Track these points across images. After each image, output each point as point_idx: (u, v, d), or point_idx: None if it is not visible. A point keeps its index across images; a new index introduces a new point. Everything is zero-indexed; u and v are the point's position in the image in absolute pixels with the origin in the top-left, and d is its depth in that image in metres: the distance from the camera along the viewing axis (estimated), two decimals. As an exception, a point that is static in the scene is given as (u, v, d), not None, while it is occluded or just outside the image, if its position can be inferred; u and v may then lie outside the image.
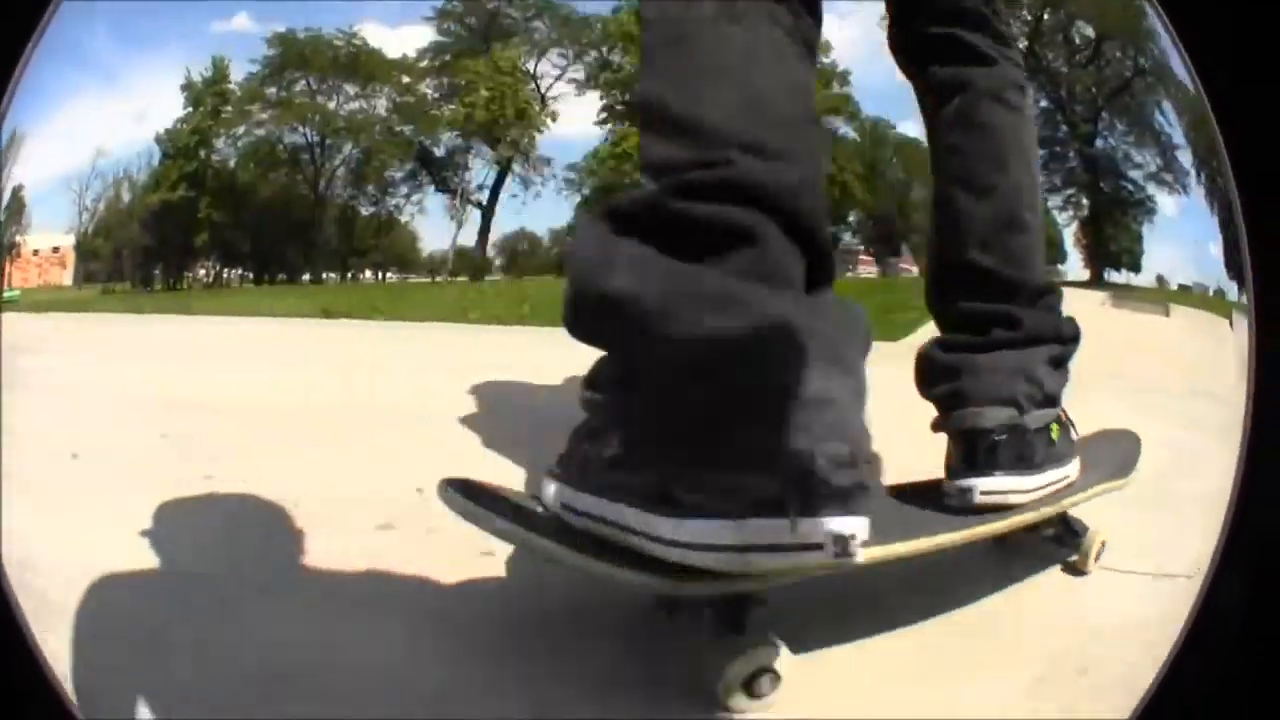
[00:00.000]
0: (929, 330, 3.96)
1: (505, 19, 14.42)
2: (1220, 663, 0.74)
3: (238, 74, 12.38)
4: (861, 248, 12.81)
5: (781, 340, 0.59)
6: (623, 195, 0.71)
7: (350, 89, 14.29)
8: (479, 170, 12.70)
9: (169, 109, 12.56)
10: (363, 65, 13.86)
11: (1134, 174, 15.96)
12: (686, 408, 0.59)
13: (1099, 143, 16.23)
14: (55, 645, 0.97)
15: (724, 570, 0.58)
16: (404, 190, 14.03)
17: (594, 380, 0.70)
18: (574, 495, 0.67)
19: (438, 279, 12.75)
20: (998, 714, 1.02)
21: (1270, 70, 0.77)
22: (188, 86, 13.76)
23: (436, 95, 14.21)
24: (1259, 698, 0.73)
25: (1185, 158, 16.12)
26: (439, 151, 13.74)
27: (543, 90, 14.22)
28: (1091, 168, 14.63)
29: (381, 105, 14.26)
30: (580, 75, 14.00)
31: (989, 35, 1.13)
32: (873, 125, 13.70)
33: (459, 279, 12.89)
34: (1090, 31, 18.16)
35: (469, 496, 0.74)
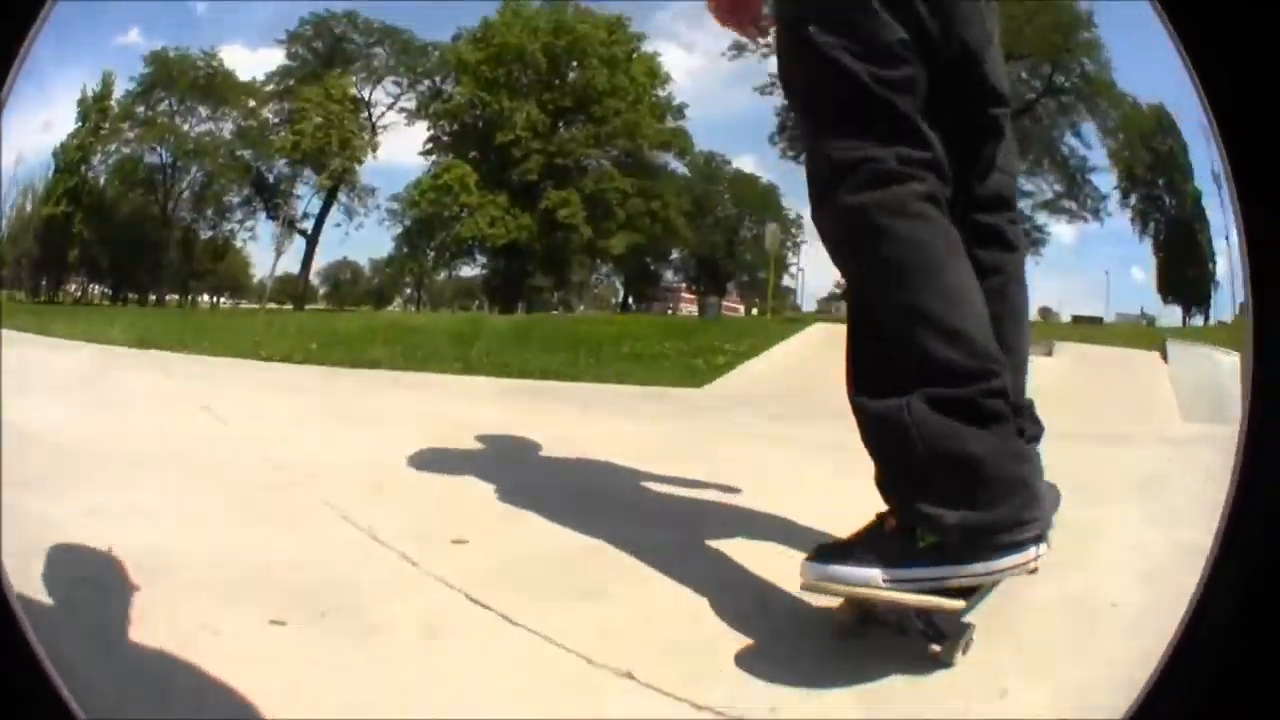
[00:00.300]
0: (736, 378, 4.38)
1: (349, 44, 14.37)
2: (1212, 670, 0.80)
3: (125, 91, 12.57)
4: (684, 285, 12.58)
5: (1041, 471, 1.12)
6: (944, 391, 0.98)
7: (203, 111, 14.34)
8: (308, 198, 12.75)
9: (68, 121, 12.85)
10: (217, 88, 13.97)
11: (1019, 203, 15.02)
12: (1004, 514, 0.99)
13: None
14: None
15: (1010, 577, 0.99)
16: (239, 215, 14.04)
17: (933, 499, 0.99)
18: (899, 570, 0.95)
19: (268, 306, 12.79)
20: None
21: (1270, 70, 0.81)
22: (82, 100, 14.00)
23: (277, 120, 14.19)
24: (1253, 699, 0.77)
25: (1103, 180, 15.29)
26: (273, 178, 13.70)
27: (374, 119, 14.14)
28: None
29: (228, 129, 14.27)
30: (412, 104, 13.88)
31: (1015, 219, 1.39)
32: (706, 160, 13.41)
33: (285, 307, 12.91)
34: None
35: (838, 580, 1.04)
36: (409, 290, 12.84)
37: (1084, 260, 17.31)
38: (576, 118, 13.10)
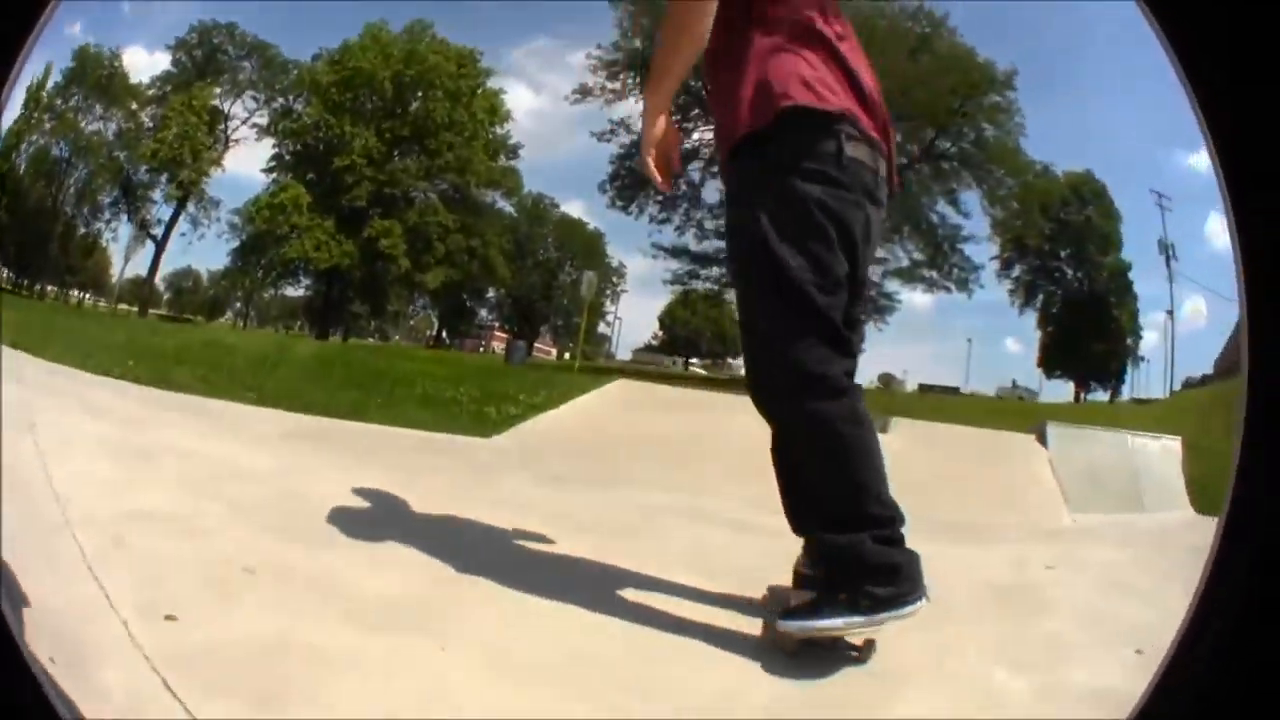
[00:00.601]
0: (525, 431, 4.40)
1: (223, 55, 14.98)
2: (1216, 664, 0.79)
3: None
4: (497, 324, 12.82)
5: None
6: (879, 532, 1.56)
7: (99, 109, 15.25)
8: (161, 204, 13.55)
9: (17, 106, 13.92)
10: (114, 88, 14.77)
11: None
12: (906, 589, 1.54)
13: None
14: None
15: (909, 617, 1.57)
16: (106, 215, 14.90)
17: (872, 584, 1.55)
18: (854, 618, 1.53)
19: (119, 307, 13.55)
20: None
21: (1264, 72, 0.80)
22: (29, 87, 15.10)
23: (150, 125, 14.95)
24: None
25: (976, 250, 14.89)
26: (136, 182, 14.51)
27: (229, 132, 14.71)
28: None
29: (112, 129, 15.14)
30: (265, 120, 14.41)
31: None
32: (534, 201, 13.62)
33: (133, 308, 13.64)
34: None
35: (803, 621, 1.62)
36: (239, 304, 13.27)
37: (939, 328, 16.68)
38: (412, 148, 13.30)
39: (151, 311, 14.39)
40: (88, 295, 15.16)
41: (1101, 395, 16.28)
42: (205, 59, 15.18)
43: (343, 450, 3.38)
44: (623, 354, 13.47)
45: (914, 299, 14.51)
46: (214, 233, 13.94)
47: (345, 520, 2.18)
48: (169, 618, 1.46)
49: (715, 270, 13.37)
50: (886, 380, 14.53)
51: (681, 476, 3.42)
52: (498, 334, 13.47)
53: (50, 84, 14.98)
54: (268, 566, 1.76)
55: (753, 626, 1.68)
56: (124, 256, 14.38)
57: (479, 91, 13.64)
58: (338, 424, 3.95)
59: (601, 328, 13.40)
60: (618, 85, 13.42)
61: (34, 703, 0.84)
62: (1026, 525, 3.40)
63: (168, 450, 2.79)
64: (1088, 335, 15.81)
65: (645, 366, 13.06)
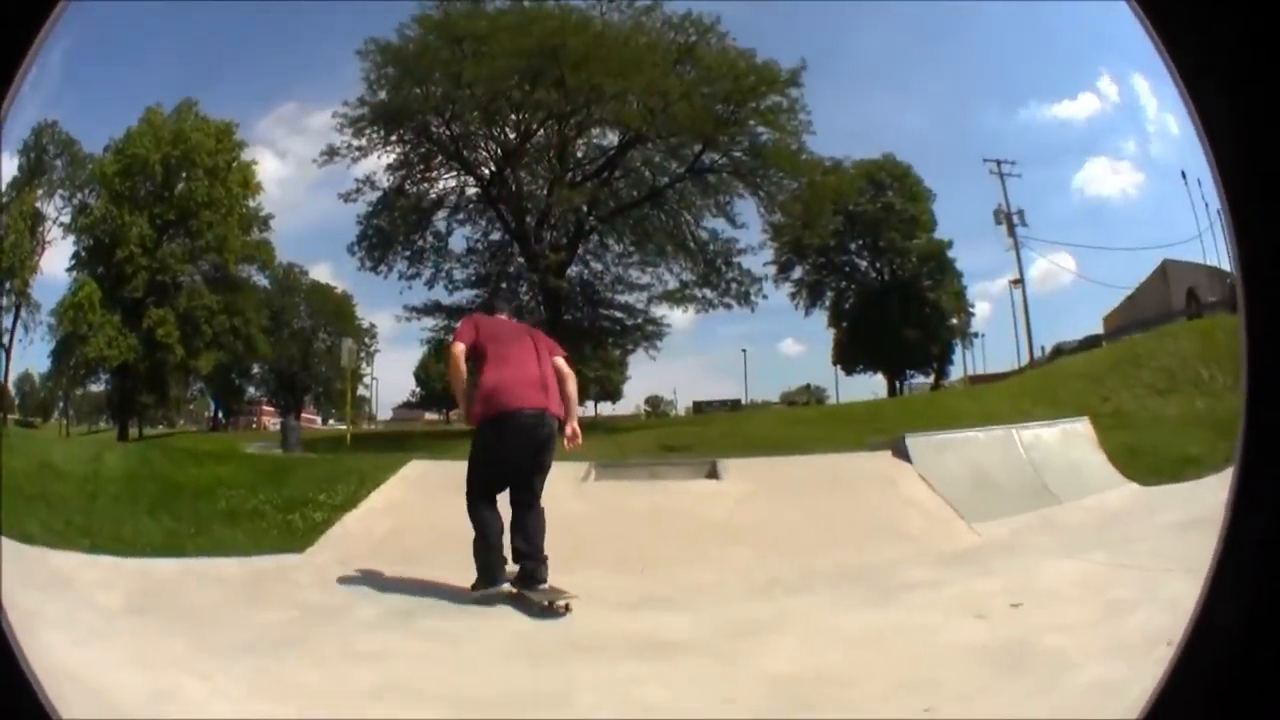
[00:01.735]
0: (336, 539, 4.89)
1: (45, 154, 16.77)
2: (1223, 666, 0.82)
3: None
4: (264, 399, 13.81)
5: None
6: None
7: None
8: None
9: None
10: None
11: (628, 299, 15.82)
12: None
13: (574, 271, 15.76)
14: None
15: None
16: None
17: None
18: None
19: None
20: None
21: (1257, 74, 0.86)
22: None
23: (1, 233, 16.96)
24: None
25: (759, 260, 14.74)
26: (-6, 290, 16.60)
27: (44, 234, 16.46)
28: (553, 303, 14.30)
29: None
30: (68, 218, 16.13)
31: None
32: (286, 271, 14.45)
33: None
34: (613, 138, 17.33)
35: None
36: (61, 405, 14.98)
37: (706, 340, 15.67)
38: (178, 231, 14.25)
39: (11, 416, 16.29)
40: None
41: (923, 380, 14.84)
42: (36, 160, 16.82)
43: (187, 626, 3.10)
44: (384, 413, 13.90)
45: (675, 314, 13.63)
46: (39, 336, 15.56)
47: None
48: None
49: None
50: (655, 403, 13.83)
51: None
52: (266, 408, 14.15)
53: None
54: None
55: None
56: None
57: (234, 165, 14.21)
58: (163, 567, 3.85)
59: (360, 389, 13.82)
60: (363, 141, 13.54)
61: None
62: (935, 554, 3.32)
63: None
64: (895, 324, 14.17)
65: (409, 426, 13.28)
